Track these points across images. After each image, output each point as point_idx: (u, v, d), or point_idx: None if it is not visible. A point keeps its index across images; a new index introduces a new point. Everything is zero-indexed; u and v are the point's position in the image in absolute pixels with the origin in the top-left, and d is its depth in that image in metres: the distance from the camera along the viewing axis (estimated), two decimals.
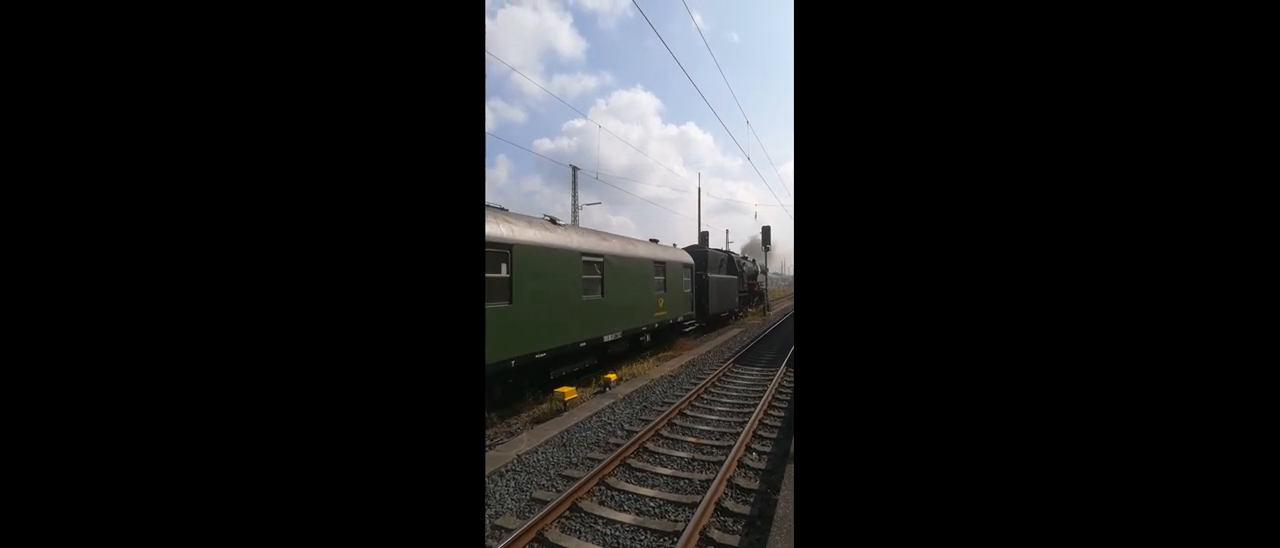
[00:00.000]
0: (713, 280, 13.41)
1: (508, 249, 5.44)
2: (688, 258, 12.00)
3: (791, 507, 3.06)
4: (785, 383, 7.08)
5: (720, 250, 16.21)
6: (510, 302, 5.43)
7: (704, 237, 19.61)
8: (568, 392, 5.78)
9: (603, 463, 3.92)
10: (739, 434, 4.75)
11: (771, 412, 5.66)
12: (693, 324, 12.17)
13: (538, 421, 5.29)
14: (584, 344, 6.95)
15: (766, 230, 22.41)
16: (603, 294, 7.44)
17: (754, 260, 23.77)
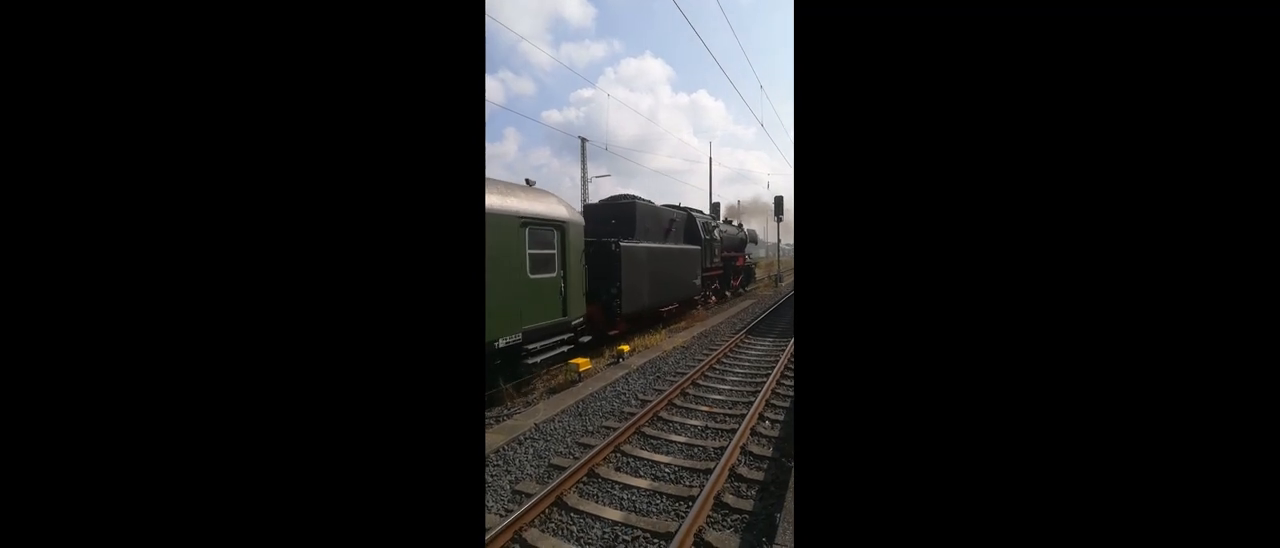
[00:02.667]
0: (636, 255, 7.62)
1: None
2: (555, 209, 5.92)
3: None
4: None
5: (674, 207, 10.75)
6: None
7: (715, 207, 19.05)
8: (582, 363, 5.88)
9: (618, 431, 4.02)
10: (752, 403, 4.81)
11: (784, 381, 5.71)
12: (560, 344, 5.93)
13: (554, 391, 5.41)
14: None
15: (779, 200, 21.63)
16: None
17: (741, 225, 17.76)
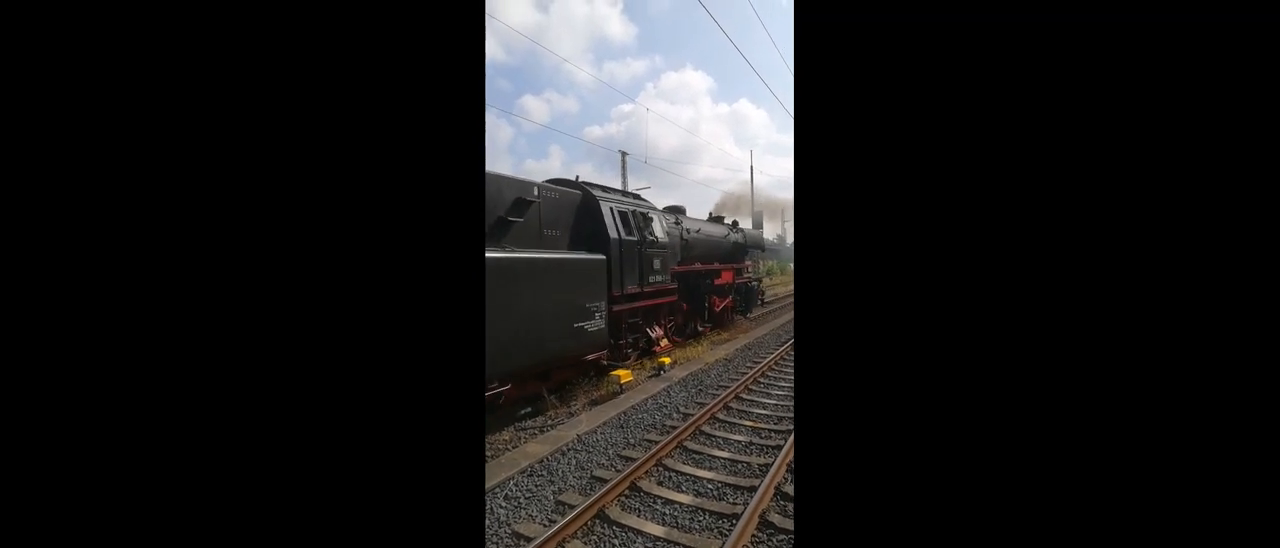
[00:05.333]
0: None
1: None
2: None
3: None
4: None
5: (562, 183, 6.15)
6: None
7: (758, 215, 18.43)
8: (624, 375, 5.90)
9: (660, 444, 3.99)
10: None
11: None
12: None
13: (595, 402, 5.46)
14: None
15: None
16: None
17: (735, 223, 11.45)
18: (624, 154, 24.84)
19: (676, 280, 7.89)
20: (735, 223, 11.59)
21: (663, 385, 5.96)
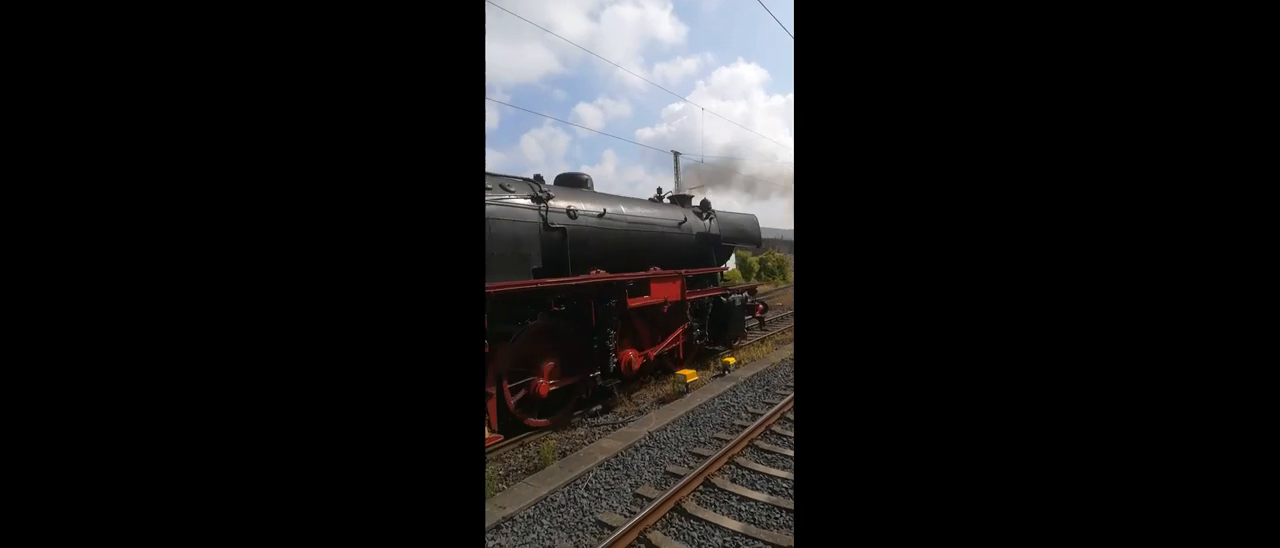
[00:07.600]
0: None
1: None
2: None
3: None
4: None
5: None
6: None
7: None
8: (690, 374, 5.99)
9: (731, 443, 4.04)
10: None
11: None
12: None
13: (663, 401, 5.59)
14: None
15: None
16: None
17: (705, 203, 7.74)
18: (677, 154, 24.82)
19: (520, 308, 4.42)
20: (705, 204, 7.62)
21: (728, 385, 5.99)
